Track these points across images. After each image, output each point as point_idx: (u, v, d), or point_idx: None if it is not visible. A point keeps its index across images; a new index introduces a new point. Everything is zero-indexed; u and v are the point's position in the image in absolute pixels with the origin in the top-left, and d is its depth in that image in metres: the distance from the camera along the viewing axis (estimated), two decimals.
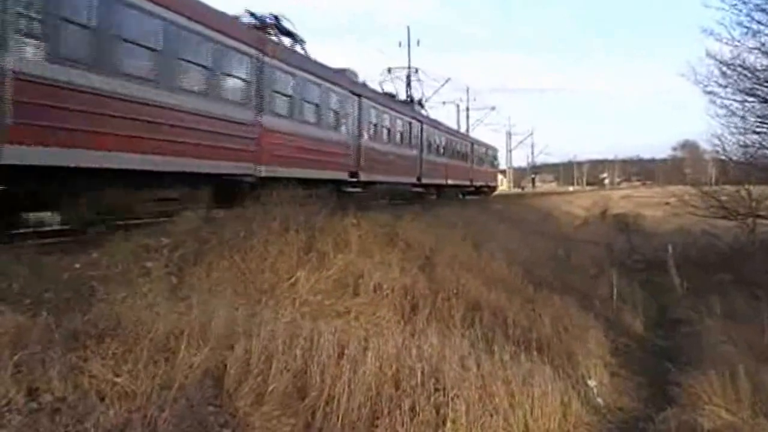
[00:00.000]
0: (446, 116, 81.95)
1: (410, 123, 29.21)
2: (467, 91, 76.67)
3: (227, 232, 10.62)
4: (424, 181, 30.39)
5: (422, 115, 33.61)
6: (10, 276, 7.50)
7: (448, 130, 38.64)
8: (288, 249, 10.49)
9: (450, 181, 35.72)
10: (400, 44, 53.94)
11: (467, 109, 74.96)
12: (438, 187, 33.60)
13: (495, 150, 56.53)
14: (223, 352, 7.01)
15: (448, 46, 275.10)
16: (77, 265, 8.47)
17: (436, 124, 35.10)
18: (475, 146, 45.08)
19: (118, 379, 6.04)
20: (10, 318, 6.30)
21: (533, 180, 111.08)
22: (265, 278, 9.69)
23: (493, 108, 79.72)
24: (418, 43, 54.90)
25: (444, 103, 68.59)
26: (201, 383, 6.48)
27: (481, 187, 46.09)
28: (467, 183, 41.20)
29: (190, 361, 6.65)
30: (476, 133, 73.73)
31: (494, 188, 54.40)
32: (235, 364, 6.86)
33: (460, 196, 39.66)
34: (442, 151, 34.71)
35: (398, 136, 27.40)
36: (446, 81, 60.91)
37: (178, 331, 6.91)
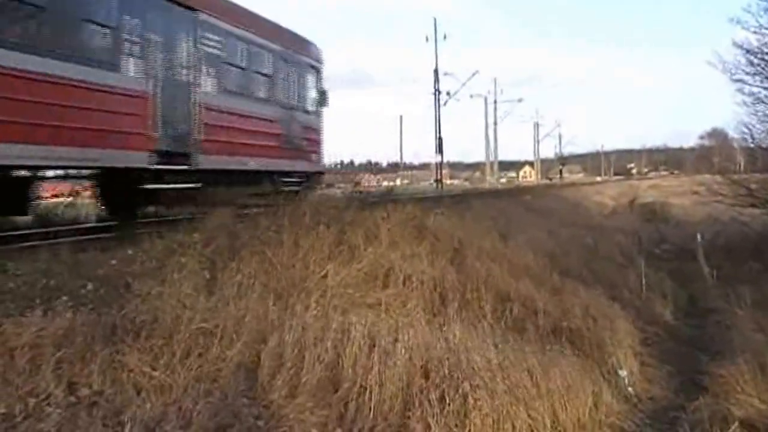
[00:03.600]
0: (474, 109, 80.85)
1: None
2: (494, 82, 75.92)
3: (258, 228, 10.74)
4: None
5: None
6: (47, 273, 7.66)
7: None
8: (318, 243, 10.56)
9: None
10: (426, 39, 53.19)
11: (495, 101, 74.33)
12: None
13: (314, 61, 20.47)
14: (256, 345, 7.11)
15: (475, 40, 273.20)
16: (113, 262, 8.63)
17: None
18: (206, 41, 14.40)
19: (155, 373, 6.16)
20: (50, 315, 6.45)
21: (561, 171, 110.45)
22: (296, 272, 9.74)
23: (520, 100, 79.26)
24: (444, 37, 53.54)
25: (472, 96, 67.09)
26: (235, 376, 6.57)
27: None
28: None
29: (224, 355, 6.76)
30: (504, 126, 70.96)
31: (312, 178, 20.45)
32: (269, 357, 6.95)
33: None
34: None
35: None
36: (474, 74, 59.96)
37: (211, 324, 7.03)
